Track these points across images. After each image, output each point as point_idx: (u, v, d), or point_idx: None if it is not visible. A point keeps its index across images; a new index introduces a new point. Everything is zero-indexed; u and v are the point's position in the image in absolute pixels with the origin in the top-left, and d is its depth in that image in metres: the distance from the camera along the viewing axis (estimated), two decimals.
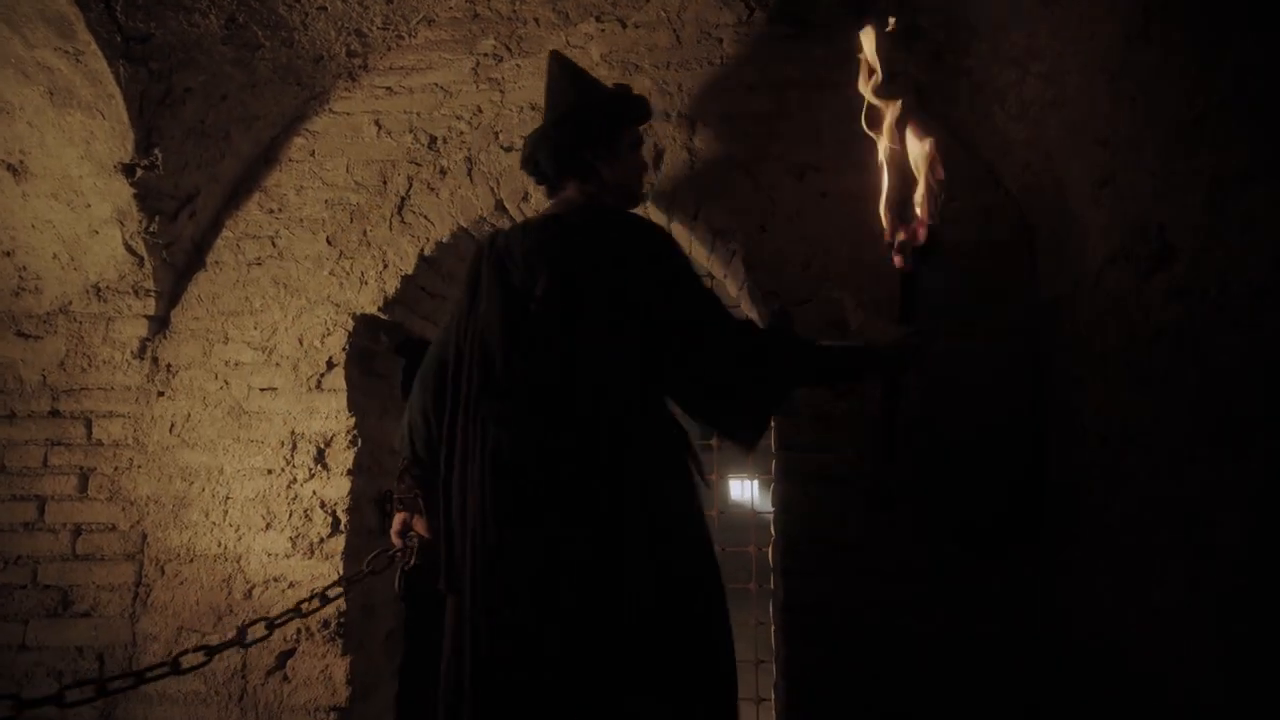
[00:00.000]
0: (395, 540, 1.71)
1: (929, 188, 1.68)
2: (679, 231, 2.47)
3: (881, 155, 1.99)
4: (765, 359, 1.42)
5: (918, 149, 1.99)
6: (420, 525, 1.67)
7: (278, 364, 2.41)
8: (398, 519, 1.70)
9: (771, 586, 2.55)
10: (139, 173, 2.25)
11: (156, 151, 2.25)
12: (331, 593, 1.79)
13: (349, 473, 2.34)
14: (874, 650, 2.04)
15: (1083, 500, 1.86)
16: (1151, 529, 1.54)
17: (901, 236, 1.69)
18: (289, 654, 2.25)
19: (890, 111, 1.89)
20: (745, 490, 10.43)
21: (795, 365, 1.47)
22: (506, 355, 1.41)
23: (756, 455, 1.65)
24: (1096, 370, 1.78)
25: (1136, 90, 1.51)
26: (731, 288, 2.52)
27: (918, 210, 1.73)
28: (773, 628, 2.34)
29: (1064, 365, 1.97)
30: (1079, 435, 1.88)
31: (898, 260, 1.60)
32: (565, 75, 1.65)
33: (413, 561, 1.67)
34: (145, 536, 2.35)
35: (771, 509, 2.40)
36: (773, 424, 2.23)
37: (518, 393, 1.39)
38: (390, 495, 2.52)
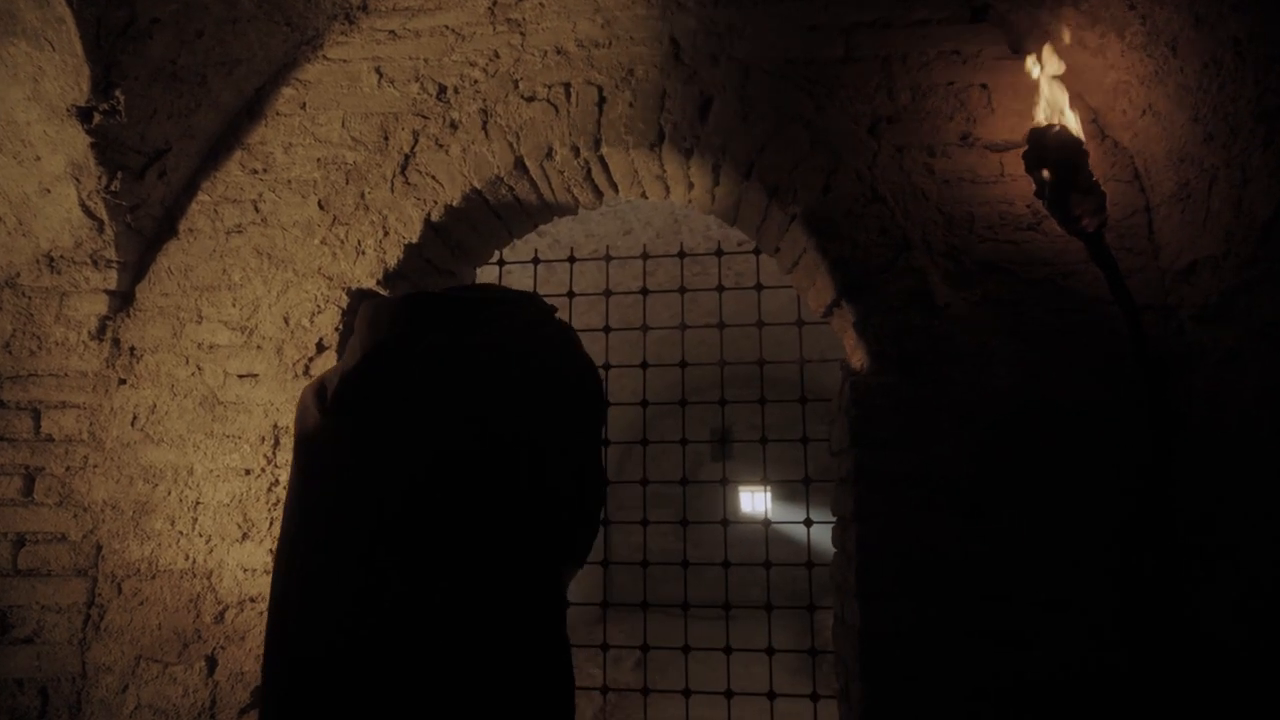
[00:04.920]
0: None
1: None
2: (725, 192, 2.14)
3: (1041, 117, 1.74)
4: None
5: (1066, 104, 1.76)
6: None
7: (259, 346, 2.07)
8: None
9: (805, 609, 2.39)
10: (97, 118, 1.91)
11: (118, 94, 1.91)
12: None
13: None
14: (970, 687, 1.69)
15: (1236, 506, 1.52)
16: None
17: (1085, 222, 1.59)
18: None
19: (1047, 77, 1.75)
20: (756, 502, 10.01)
21: None
22: None
23: (769, 462, 1.41)
24: (1263, 346, 1.45)
25: None
26: (786, 260, 2.17)
27: (1098, 182, 1.61)
28: (841, 658, 1.98)
29: (1204, 342, 1.64)
30: (1231, 424, 1.54)
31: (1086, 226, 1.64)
32: None
33: None
34: (100, 548, 1.99)
35: (793, 521, 2.69)
36: (847, 416, 1.89)
37: None
38: None
